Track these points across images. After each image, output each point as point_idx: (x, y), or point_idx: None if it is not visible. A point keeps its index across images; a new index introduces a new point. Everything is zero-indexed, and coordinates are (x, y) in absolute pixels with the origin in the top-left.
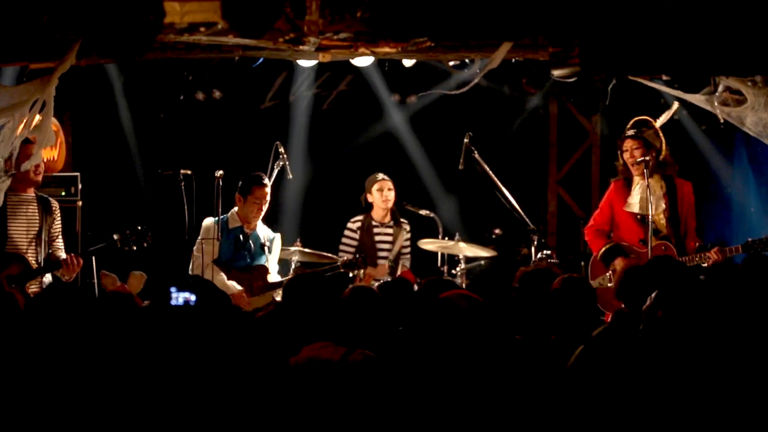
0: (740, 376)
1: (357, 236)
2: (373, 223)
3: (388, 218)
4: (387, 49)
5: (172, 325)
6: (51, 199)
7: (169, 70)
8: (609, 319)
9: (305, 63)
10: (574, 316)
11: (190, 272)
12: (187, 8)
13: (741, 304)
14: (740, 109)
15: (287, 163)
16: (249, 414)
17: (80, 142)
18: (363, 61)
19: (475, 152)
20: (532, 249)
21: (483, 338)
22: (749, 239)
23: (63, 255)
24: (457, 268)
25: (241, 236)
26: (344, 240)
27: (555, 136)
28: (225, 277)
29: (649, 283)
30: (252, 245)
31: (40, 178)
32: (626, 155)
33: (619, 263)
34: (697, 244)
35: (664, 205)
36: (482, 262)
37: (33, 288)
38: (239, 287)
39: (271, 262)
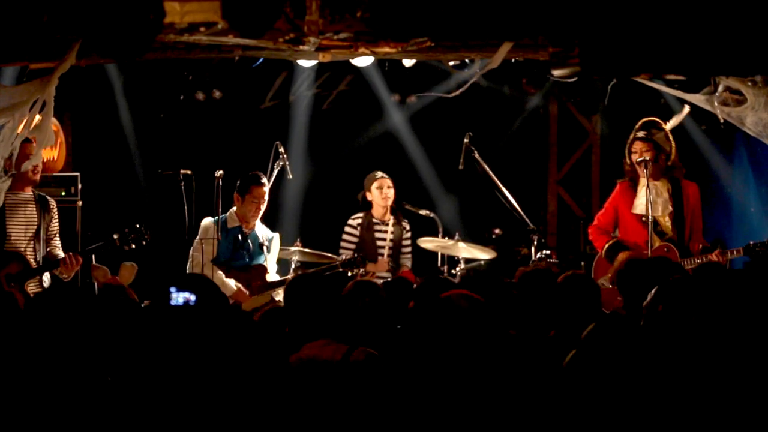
0: (740, 376)
1: (357, 233)
2: (374, 220)
3: (388, 216)
4: (387, 49)
5: (172, 324)
6: (48, 197)
7: (169, 70)
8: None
9: (305, 63)
10: (576, 312)
11: (187, 272)
12: (187, 8)
13: (741, 304)
14: (740, 109)
15: (287, 163)
16: (249, 414)
17: (80, 142)
18: (363, 61)
19: (475, 152)
20: (532, 249)
21: (483, 338)
22: (750, 242)
23: (61, 253)
24: (457, 268)
25: (239, 236)
26: (345, 237)
27: (555, 136)
28: (223, 275)
29: (648, 277)
30: (251, 245)
31: (38, 177)
32: (635, 156)
33: (622, 257)
34: (701, 246)
35: (670, 208)
36: (482, 262)
37: (32, 287)
38: (238, 285)
39: (270, 261)
